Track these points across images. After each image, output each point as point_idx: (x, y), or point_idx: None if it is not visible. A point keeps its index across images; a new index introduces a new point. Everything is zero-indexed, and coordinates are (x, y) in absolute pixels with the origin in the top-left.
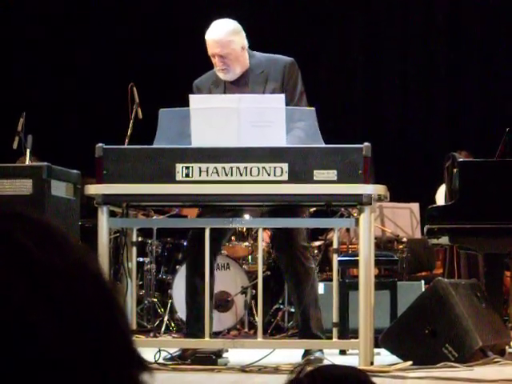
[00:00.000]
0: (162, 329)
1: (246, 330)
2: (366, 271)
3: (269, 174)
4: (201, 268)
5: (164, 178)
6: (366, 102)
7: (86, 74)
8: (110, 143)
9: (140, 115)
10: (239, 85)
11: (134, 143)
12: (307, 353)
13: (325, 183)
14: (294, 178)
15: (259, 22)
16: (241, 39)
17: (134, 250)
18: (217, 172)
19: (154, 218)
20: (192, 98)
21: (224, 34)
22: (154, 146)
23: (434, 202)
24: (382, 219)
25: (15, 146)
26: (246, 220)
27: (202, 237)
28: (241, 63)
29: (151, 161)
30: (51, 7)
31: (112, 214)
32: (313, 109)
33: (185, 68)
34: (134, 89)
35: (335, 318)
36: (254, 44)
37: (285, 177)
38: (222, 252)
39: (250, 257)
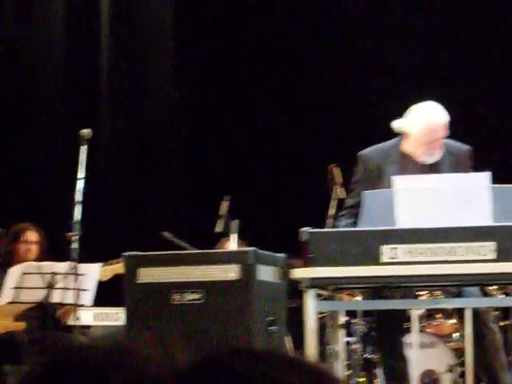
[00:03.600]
0: None
1: None
2: None
3: (476, 254)
4: (392, 348)
5: (369, 260)
6: None
7: (284, 156)
8: (308, 224)
9: (341, 195)
10: (423, 168)
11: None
12: None
13: None
14: (503, 256)
15: None
16: None
17: (341, 332)
18: (422, 253)
19: (358, 298)
20: (395, 179)
21: (445, 117)
22: (358, 228)
23: None
24: None
25: (219, 229)
26: (454, 300)
27: (387, 317)
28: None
29: (356, 243)
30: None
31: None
32: None
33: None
34: (335, 169)
35: None
36: None
37: (493, 255)
38: (428, 330)
39: (456, 334)
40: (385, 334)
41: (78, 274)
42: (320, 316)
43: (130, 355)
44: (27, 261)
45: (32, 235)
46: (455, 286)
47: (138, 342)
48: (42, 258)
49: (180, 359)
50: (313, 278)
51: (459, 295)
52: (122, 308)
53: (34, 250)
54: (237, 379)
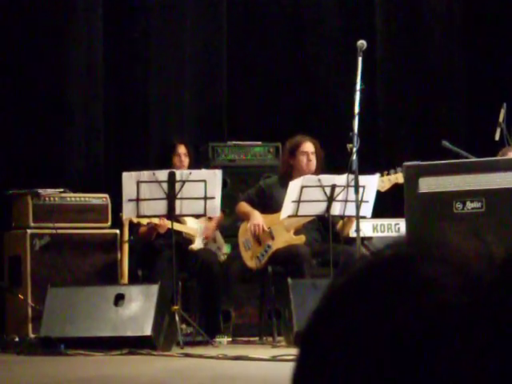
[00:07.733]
0: None
1: None
2: None
3: None
4: None
5: None
6: None
7: None
8: None
9: None
10: None
11: None
12: None
13: None
14: None
15: None
16: None
17: None
18: None
19: None
20: None
21: None
22: None
23: None
24: None
25: (497, 137)
26: None
27: None
28: None
29: None
30: None
31: None
32: None
33: None
34: None
35: None
36: None
37: None
38: None
39: None
40: None
41: (357, 186)
42: None
43: (446, 247)
44: (307, 173)
45: (309, 147)
46: None
47: (453, 235)
48: (320, 170)
49: (496, 251)
50: None
51: None
52: (401, 219)
53: (313, 161)
54: None
